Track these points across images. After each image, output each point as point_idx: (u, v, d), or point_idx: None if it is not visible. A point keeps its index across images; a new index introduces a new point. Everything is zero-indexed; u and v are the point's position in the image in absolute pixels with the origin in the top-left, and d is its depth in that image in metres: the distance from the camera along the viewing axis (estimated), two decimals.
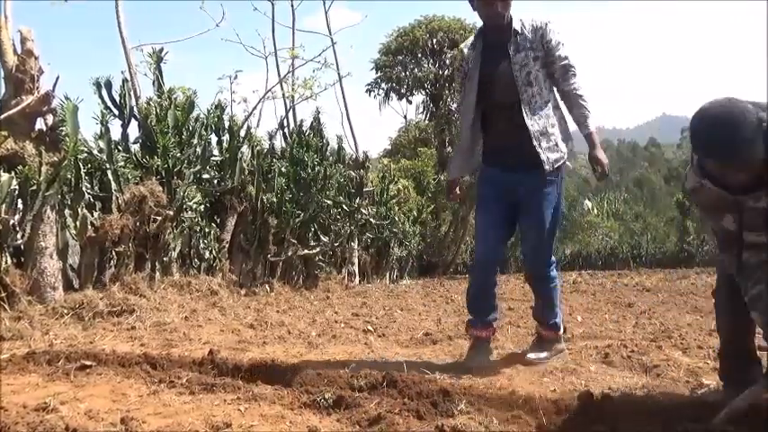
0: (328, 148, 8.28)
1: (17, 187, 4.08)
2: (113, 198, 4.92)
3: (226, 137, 6.49)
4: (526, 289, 4.37)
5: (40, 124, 4.42)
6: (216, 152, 6.38)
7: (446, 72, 17.99)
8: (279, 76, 9.61)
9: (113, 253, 4.90)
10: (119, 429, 1.87)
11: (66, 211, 4.61)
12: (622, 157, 73.56)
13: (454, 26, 18.26)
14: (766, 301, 1.79)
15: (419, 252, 13.85)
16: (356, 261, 9.38)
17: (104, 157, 4.95)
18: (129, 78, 5.86)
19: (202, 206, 6.01)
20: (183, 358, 2.85)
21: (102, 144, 4.98)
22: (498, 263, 3.12)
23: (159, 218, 5.09)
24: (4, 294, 3.93)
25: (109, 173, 4.95)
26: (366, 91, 19.72)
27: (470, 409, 1.97)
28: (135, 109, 5.58)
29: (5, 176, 4.01)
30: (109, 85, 5.35)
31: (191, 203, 5.71)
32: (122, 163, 5.19)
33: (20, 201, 4.12)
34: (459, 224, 15.33)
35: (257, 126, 9.64)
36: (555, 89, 2.90)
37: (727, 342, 2.18)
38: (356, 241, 9.29)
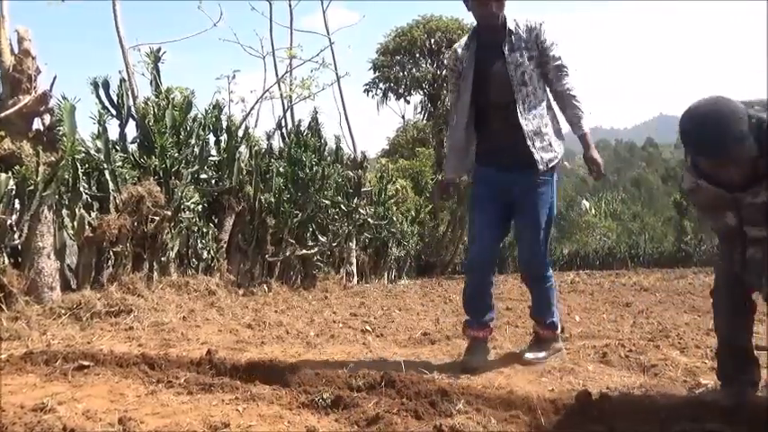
0: (326, 148, 8.27)
1: (14, 187, 4.07)
2: (111, 198, 4.91)
3: (224, 137, 6.49)
4: (524, 289, 4.37)
5: (37, 124, 4.42)
6: (214, 152, 6.38)
7: (444, 72, 17.99)
8: (277, 76, 9.66)
9: (111, 253, 4.89)
10: (116, 429, 1.87)
11: (64, 211, 4.60)
12: (620, 157, 73.56)
13: (452, 26, 18.27)
14: None
15: (417, 252, 13.84)
16: (354, 261, 9.39)
17: (102, 157, 4.94)
18: (126, 78, 5.86)
19: (200, 206, 6.01)
20: (180, 358, 2.84)
21: (99, 144, 4.97)
22: (494, 262, 3.12)
23: (157, 218, 5.09)
24: (1, 295, 3.92)
25: (106, 173, 4.94)
26: (364, 91, 19.74)
27: (468, 409, 1.98)
28: (132, 109, 5.58)
29: (2, 176, 4.00)
30: (106, 84, 5.34)
31: (188, 203, 5.71)
32: (120, 163, 5.19)
33: (17, 201, 4.11)
34: (457, 224, 15.30)
35: (255, 126, 9.68)
36: (548, 89, 2.91)
37: (725, 341, 2.19)
38: (354, 241, 9.29)
